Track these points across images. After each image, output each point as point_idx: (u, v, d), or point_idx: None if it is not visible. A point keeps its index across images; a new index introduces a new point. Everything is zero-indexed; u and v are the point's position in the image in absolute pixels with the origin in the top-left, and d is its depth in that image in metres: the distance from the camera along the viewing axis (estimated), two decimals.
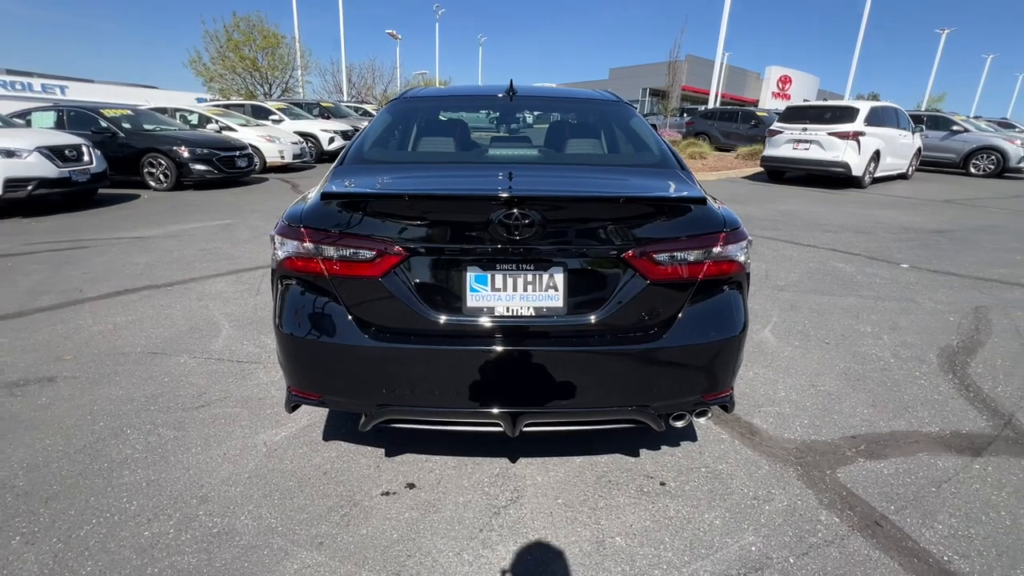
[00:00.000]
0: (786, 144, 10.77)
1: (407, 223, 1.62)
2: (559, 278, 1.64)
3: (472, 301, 1.64)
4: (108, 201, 7.75)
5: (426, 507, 1.83)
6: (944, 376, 2.85)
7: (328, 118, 15.09)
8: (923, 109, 24.05)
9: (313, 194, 1.86)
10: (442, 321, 1.63)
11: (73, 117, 8.79)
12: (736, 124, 18.02)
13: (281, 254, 1.73)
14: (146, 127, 9.24)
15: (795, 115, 11.03)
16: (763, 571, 1.58)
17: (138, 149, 8.66)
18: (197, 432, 2.23)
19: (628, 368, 1.69)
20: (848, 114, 10.19)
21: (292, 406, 1.83)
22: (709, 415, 1.85)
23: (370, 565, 1.59)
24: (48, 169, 6.60)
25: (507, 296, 1.64)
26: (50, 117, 8.86)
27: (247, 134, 10.91)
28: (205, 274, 4.39)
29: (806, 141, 10.47)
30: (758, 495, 1.91)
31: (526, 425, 1.70)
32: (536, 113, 3.83)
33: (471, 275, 1.63)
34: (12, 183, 6.32)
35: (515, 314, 1.64)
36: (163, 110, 11.45)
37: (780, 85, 36.31)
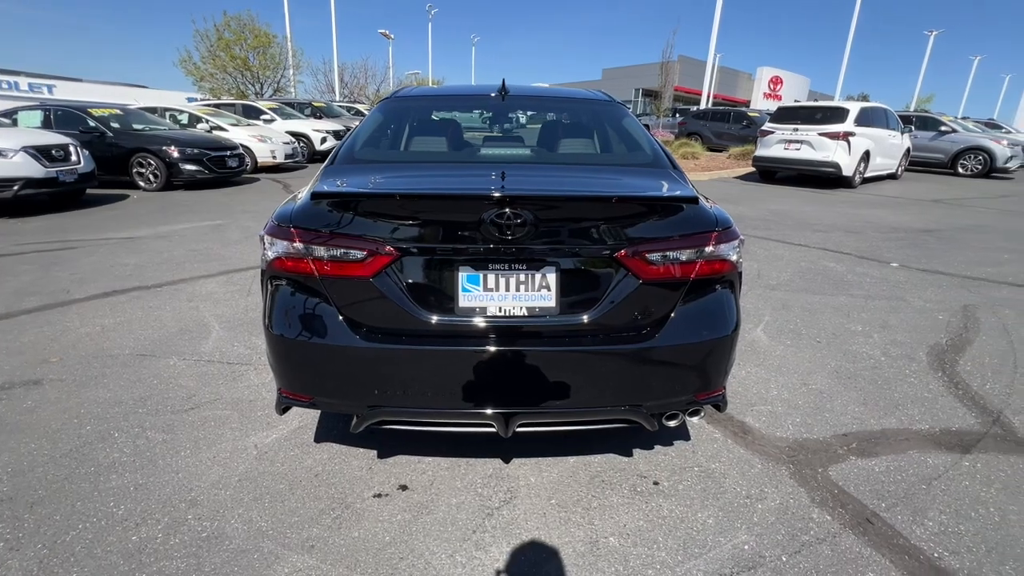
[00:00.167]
0: (777, 144, 10.85)
1: (398, 223, 1.61)
2: (551, 278, 1.63)
3: (464, 301, 1.63)
4: (96, 201, 7.65)
5: (419, 509, 1.82)
6: (934, 374, 2.87)
7: (320, 118, 15.02)
8: (912, 110, 24.33)
9: (303, 194, 1.84)
10: (434, 321, 1.62)
11: (60, 116, 8.68)
12: (728, 124, 18.14)
13: (271, 254, 1.71)
14: (135, 127, 9.14)
15: (786, 116, 11.11)
16: (756, 570, 1.59)
17: (127, 149, 8.57)
18: (186, 435, 2.21)
19: (621, 368, 1.68)
20: (838, 115, 10.28)
21: (283, 408, 1.81)
22: (702, 414, 1.85)
23: (362, 568, 1.57)
24: (35, 169, 6.51)
25: (499, 296, 1.63)
26: (37, 116, 8.74)
27: (238, 134, 10.83)
28: (195, 275, 4.34)
29: (797, 141, 10.55)
30: (751, 494, 1.91)
31: (519, 426, 1.69)
32: (528, 113, 3.82)
33: (463, 275, 1.62)
34: None
35: (507, 314, 1.63)
36: (153, 109, 11.34)
37: (771, 86, 36.58)
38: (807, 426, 2.35)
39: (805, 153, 10.46)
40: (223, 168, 9.08)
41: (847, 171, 10.14)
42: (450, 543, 1.68)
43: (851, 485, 1.96)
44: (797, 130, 10.55)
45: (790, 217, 7.38)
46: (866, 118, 10.39)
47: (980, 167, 13.33)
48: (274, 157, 10.98)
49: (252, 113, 13.29)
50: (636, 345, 1.65)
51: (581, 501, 1.87)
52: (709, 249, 1.68)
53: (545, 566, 1.60)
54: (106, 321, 3.37)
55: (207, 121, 11.22)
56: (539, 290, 1.63)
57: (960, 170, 13.61)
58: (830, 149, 10.12)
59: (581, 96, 2.93)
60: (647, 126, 2.60)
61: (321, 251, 1.61)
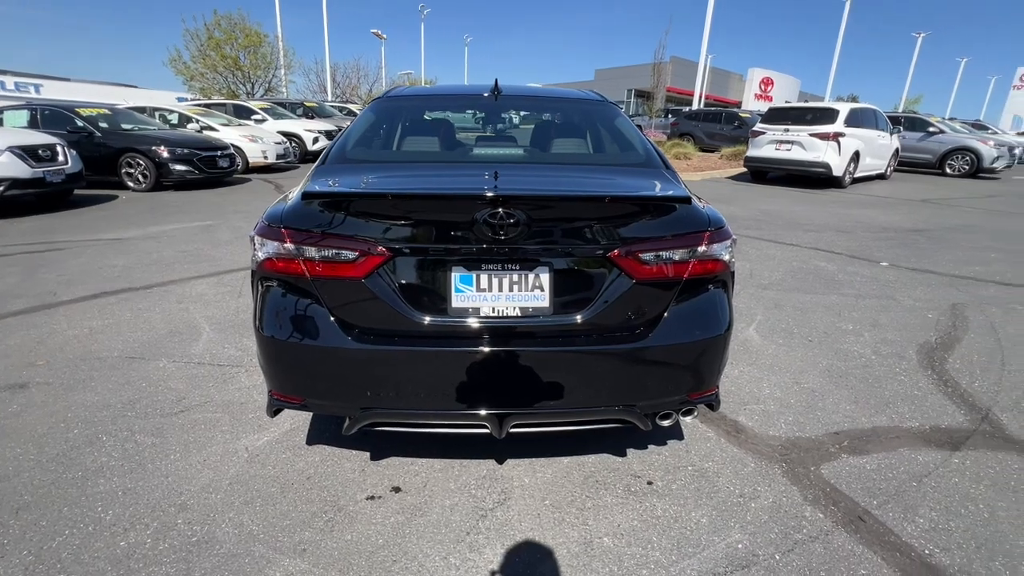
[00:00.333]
0: (768, 145, 10.93)
1: (391, 223, 1.60)
2: (545, 278, 1.62)
3: (457, 302, 1.62)
4: (85, 202, 7.56)
5: (412, 511, 1.81)
6: (923, 372, 2.90)
7: (312, 118, 14.94)
8: (900, 111, 24.58)
9: (294, 194, 1.82)
10: (427, 322, 1.61)
11: (47, 116, 8.56)
12: (720, 125, 18.24)
13: (261, 255, 1.69)
14: (124, 126, 9.03)
15: (777, 116, 11.19)
16: (750, 569, 1.59)
17: (116, 149, 8.47)
18: (176, 438, 2.18)
19: (614, 368, 1.68)
20: (828, 115, 10.37)
21: (274, 410, 1.79)
22: (695, 414, 1.85)
23: (355, 571, 1.56)
24: (21, 169, 6.41)
25: (493, 296, 1.62)
26: (23, 116, 8.61)
27: (229, 134, 10.74)
28: (185, 276, 4.30)
29: (788, 142, 10.63)
30: (744, 493, 1.92)
31: (513, 426, 1.69)
32: (521, 112, 3.82)
33: (456, 275, 1.61)
34: None
35: (501, 314, 1.63)
36: (142, 109, 11.22)
37: (762, 87, 36.82)
38: (799, 425, 2.37)
39: (796, 153, 10.54)
40: (214, 168, 9.00)
41: (837, 171, 10.23)
42: (444, 545, 1.67)
43: (843, 483, 1.98)
44: (788, 131, 10.63)
45: (781, 217, 7.43)
46: (856, 119, 10.50)
47: (967, 167, 13.51)
48: (265, 157, 10.90)
49: (243, 113, 13.18)
50: (629, 345, 1.65)
51: (575, 501, 1.87)
52: (702, 249, 1.68)
53: (539, 567, 1.60)
54: (94, 323, 3.32)
55: (197, 121, 11.12)
56: (532, 290, 1.63)
57: (948, 170, 13.78)
58: (820, 149, 10.21)
59: (574, 96, 2.93)
60: (640, 127, 2.60)
61: (312, 252, 1.60)
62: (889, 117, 12.70)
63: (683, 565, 1.60)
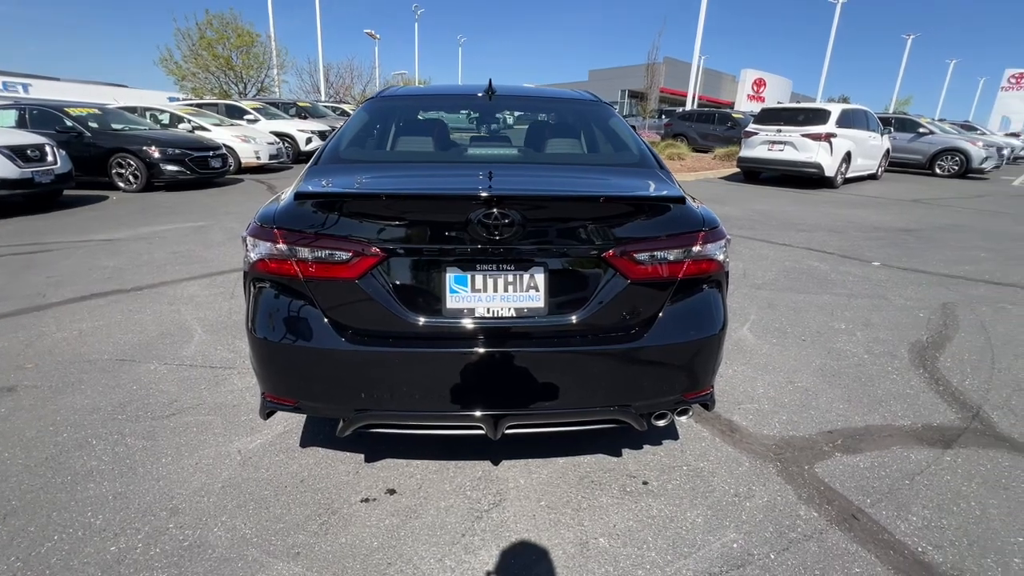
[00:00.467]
0: (761, 145, 10.99)
1: (385, 223, 1.59)
2: (540, 278, 1.62)
3: (452, 302, 1.61)
4: (74, 203, 7.47)
5: (407, 513, 1.80)
6: (915, 371, 2.92)
7: (305, 118, 14.86)
8: (891, 112, 24.83)
9: (287, 194, 1.81)
10: (421, 323, 1.60)
11: (36, 116, 8.45)
12: (713, 126, 18.33)
13: (254, 256, 1.68)
14: (114, 126, 8.94)
15: (770, 117, 11.26)
16: (745, 568, 1.59)
17: (106, 149, 8.38)
18: (168, 441, 2.16)
19: (610, 368, 1.68)
20: (820, 116, 10.45)
21: (267, 413, 1.78)
22: (690, 413, 1.86)
23: (350, 574, 1.55)
24: (8, 170, 6.33)
25: (487, 297, 1.62)
26: (11, 115, 8.50)
27: (221, 134, 10.65)
28: (177, 277, 4.26)
29: (780, 142, 10.70)
30: (739, 492, 1.92)
31: (508, 427, 1.68)
32: (516, 113, 3.81)
33: (450, 276, 1.60)
34: None
35: (496, 315, 1.62)
36: (133, 109, 11.11)
37: (755, 87, 37.06)
38: (793, 424, 2.38)
39: (788, 154, 10.61)
40: (205, 169, 8.92)
41: (829, 172, 10.31)
42: (439, 547, 1.66)
43: (837, 482, 1.99)
44: (780, 131, 10.70)
45: (774, 217, 7.48)
46: (847, 120, 10.58)
47: (957, 168, 13.65)
48: (258, 158, 10.83)
49: (235, 113, 13.09)
50: (625, 345, 1.65)
51: (571, 502, 1.87)
52: (696, 249, 1.68)
53: (535, 568, 1.59)
54: (84, 325, 3.28)
55: (189, 121, 11.03)
56: (527, 291, 1.62)
57: (937, 171, 13.93)
58: (812, 150, 10.28)
59: (568, 96, 2.93)
60: (633, 127, 2.61)
61: (305, 252, 1.59)
62: (880, 118, 12.82)
63: (679, 565, 1.60)
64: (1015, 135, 24.27)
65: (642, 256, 1.63)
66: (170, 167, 8.48)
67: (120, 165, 8.43)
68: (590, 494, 1.91)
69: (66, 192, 7.59)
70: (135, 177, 8.46)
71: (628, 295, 1.64)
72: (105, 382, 2.61)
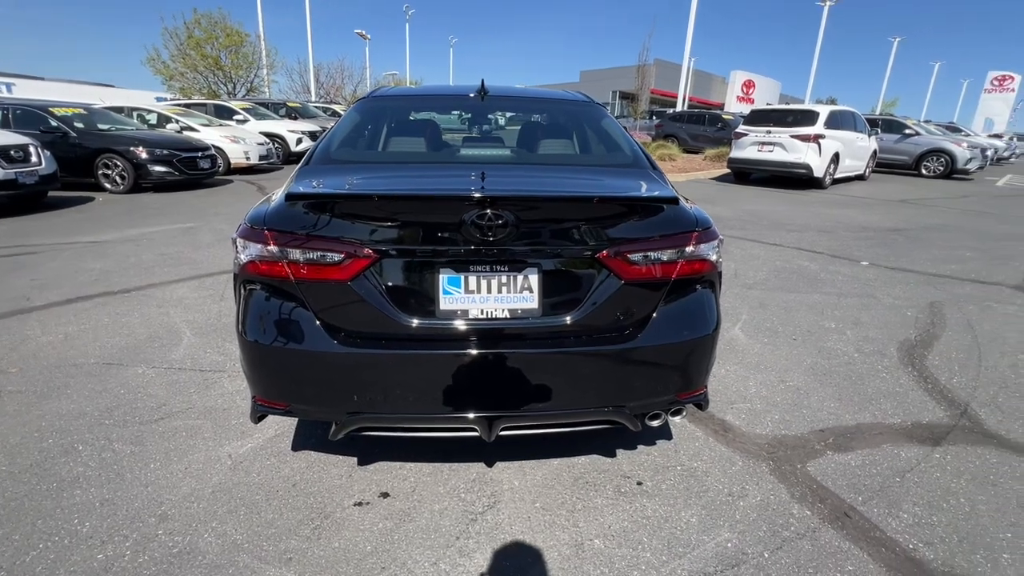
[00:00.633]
0: (751, 146, 11.08)
1: (377, 224, 1.58)
2: (534, 279, 1.62)
3: (445, 304, 1.60)
4: (60, 204, 7.35)
5: (401, 516, 1.78)
6: (904, 369, 2.96)
7: (295, 118, 14.76)
8: (878, 113, 25.17)
9: (277, 195, 1.79)
10: (415, 325, 1.59)
11: (19, 116, 8.30)
12: (703, 127, 18.46)
13: (244, 258, 1.65)
14: (100, 126, 8.81)
15: (759, 118, 11.36)
16: (739, 567, 1.60)
17: (92, 149, 8.25)
18: (156, 446, 2.12)
19: (604, 369, 1.68)
20: (809, 117, 10.56)
21: (258, 416, 1.75)
22: (684, 414, 1.86)
23: None
24: None
25: (481, 298, 1.61)
26: None
27: (210, 134, 10.55)
28: (165, 280, 4.20)
29: (770, 144, 10.79)
30: (733, 491, 1.93)
31: (503, 429, 1.67)
32: (508, 113, 3.81)
33: (444, 277, 1.59)
34: None
35: (489, 316, 1.61)
36: (119, 109, 10.96)
37: (744, 89, 37.37)
38: (785, 423, 2.39)
39: (778, 155, 10.71)
40: (194, 170, 8.82)
41: (818, 172, 10.42)
42: (433, 550, 1.65)
43: (829, 480, 2.00)
44: (770, 133, 10.80)
45: (765, 217, 7.54)
46: (835, 121, 10.70)
47: (942, 168, 13.86)
48: (248, 158, 10.73)
49: (224, 113, 12.96)
50: (619, 346, 1.65)
51: (565, 503, 1.86)
52: (690, 249, 1.69)
53: (530, 571, 1.58)
54: (69, 329, 3.23)
55: (177, 121, 10.90)
56: (521, 292, 1.62)
57: (923, 171, 14.12)
58: (801, 151, 10.38)
59: (561, 97, 2.93)
60: (625, 128, 2.61)
61: (297, 254, 1.57)
62: (867, 119, 12.97)
63: (674, 565, 1.60)
64: (998, 136, 24.70)
65: (636, 256, 1.63)
66: (158, 168, 8.37)
67: (107, 166, 8.31)
68: (585, 495, 1.90)
69: (51, 193, 7.46)
70: (122, 178, 8.34)
71: (622, 296, 1.64)
72: (92, 386, 2.57)
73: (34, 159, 6.78)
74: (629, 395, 1.71)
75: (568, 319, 1.63)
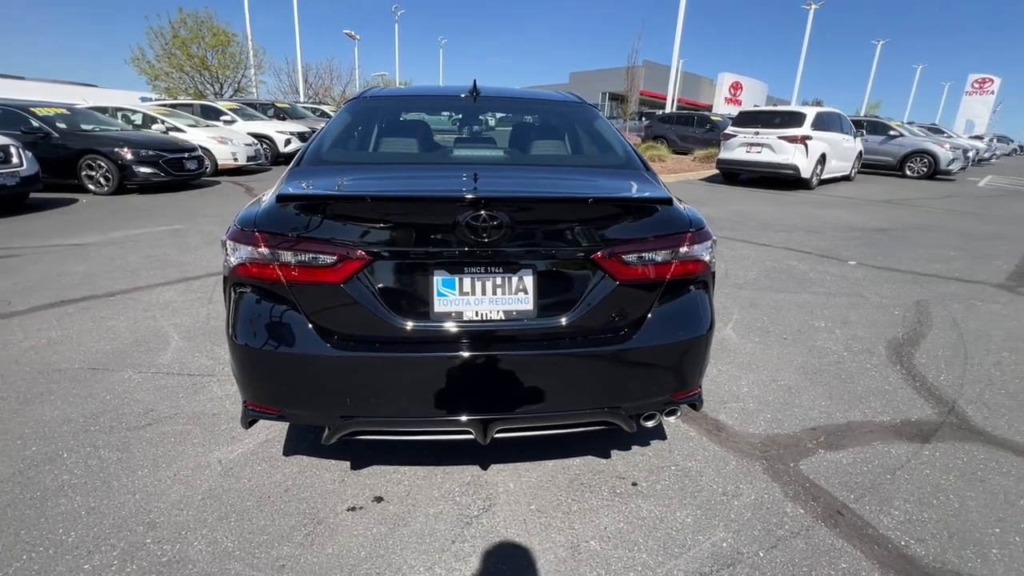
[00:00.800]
0: (740, 148, 11.19)
1: (370, 226, 1.56)
2: (529, 281, 1.61)
3: (439, 306, 1.59)
4: (42, 206, 7.21)
5: (395, 521, 1.76)
6: (892, 367, 2.99)
7: (284, 119, 14.63)
8: (862, 115, 25.57)
9: (268, 197, 1.76)
10: (408, 327, 1.58)
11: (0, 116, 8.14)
12: (692, 128, 18.59)
13: (234, 260, 1.63)
14: (84, 127, 8.65)
15: (747, 120, 11.48)
16: (735, 567, 1.60)
17: (75, 150, 8.10)
18: (144, 453, 2.08)
19: (599, 370, 1.68)
20: (796, 119, 10.70)
21: (249, 421, 1.73)
22: (679, 414, 1.86)
23: None
24: None
25: (475, 300, 1.60)
26: None
27: (196, 135, 10.41)
28: (152, 283, 4.13)
29: (758, 145, 10.90)
30: (727, 491, 1.94)
31: (497, 431, 1.66)
32: (500, 114, 3.80)
33: (438, 279, 1.58)
34: None
35: (484, 318, 1.60)
36: (103, 109, 10.77)
37: (732, 91, 37.70)
38: (777, 422, 2.41)
39: (766, 156, 10.82)
40: (181, 171, 8.70)
41: (805, 173, 10.55)
42: (428, 555, 1.63)
43: (821, 478, 2.02)
44: (758, 134, 10.91)
45: (754, 218, 7.61)
46: (822, 122, 10.85)
47: (926, 169, 14.11)
48: (235, 159, 10.61)
49: (211, 114, 12.80)
50: (614, 347, 1.65)
51: (561, 505, 1.86)
52: (684, 250, 1.69)
53: (527, 574, 1.57)
54: (53, 333, 3.16)
55: (163, 122, 10.75)
56: (516, 293, 1.61)
57: (908, 172, 14.37)
58: (789, 152, 10.51)
59: (553, 98, 2.93)
60: (616, 129, 2.62)
61: (288, 256, 1.55)
62: (852, 121, 13.17)
63: (670, 566, 1.60)
64: (979, 138, 25.22)
65: (630, 257, 1.63)
66: (143, 169, 8.24)
67: (91, 167, 8.16)
68: (580, 497, 1.90)
69: (33, 195, 7.31)
70: (106, 179, 8.20)
71: (617, 296, 1.64)
72: (76, 392, 2.51)
73: (15, 160, 6.64)
74: (624, 396, 1.70)
75: (563, 320, 1.63)
